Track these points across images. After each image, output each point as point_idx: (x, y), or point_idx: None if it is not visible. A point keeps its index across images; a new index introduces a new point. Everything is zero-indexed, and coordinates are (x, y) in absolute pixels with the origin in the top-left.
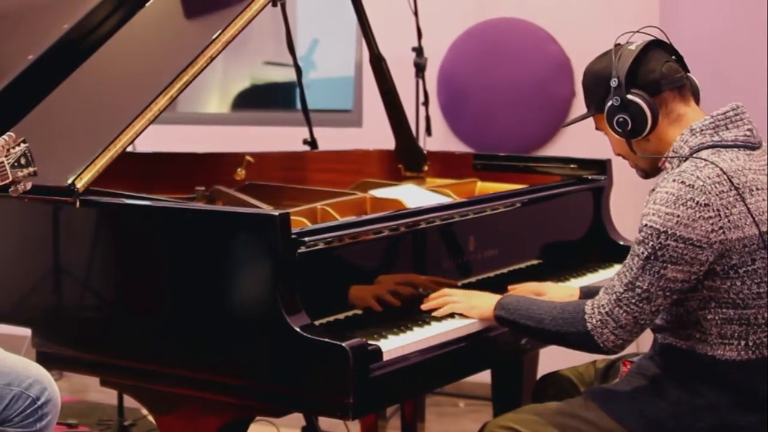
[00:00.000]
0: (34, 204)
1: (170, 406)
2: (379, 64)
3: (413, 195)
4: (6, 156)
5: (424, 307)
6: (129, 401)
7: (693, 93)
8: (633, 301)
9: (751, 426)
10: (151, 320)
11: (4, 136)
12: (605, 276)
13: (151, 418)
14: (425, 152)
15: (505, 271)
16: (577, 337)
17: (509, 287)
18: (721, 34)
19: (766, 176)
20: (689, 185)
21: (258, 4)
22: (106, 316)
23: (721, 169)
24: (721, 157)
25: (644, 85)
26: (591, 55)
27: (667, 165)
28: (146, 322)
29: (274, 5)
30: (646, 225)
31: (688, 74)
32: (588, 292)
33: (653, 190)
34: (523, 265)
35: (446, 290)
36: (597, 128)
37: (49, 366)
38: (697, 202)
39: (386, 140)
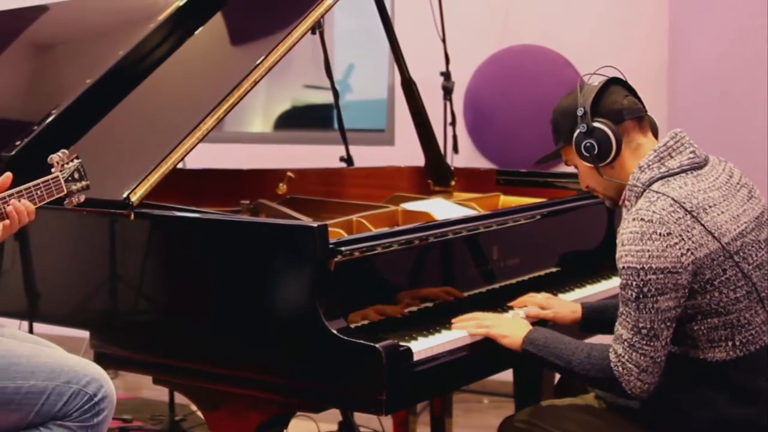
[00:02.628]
0: (92, 216)
1: (218, 402)
2: (410, 87)
3: (441, 208)
4: (61, 171)
5: (456, 326)
6: (179, 398)
7: (651, 128)
8: (644, 342)
9: (747, 418)
10: (200, 323)
11: (59, 153)
12: (618, 282)
13: (200, 413)
14: (452, 168)
15: (526, 278)
16: (607, 383)
17: (510, 304)
18: (726, 59)
19: (717, 191)
20: (648, 220)
21: (298, 31)
22: (158, 320)
23: (672, 199)
24: (671, 187)
25: (607, 113)
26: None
27: (626, 203)
28: (195, 324)
29: (313, 33)
30: (623, 268)
31: (647, 113)
32: (590, 309)
33: (618, 232)
34: (542, 273)
35: (477, 314)
36: (566, 162)
37: (106, 365)
38: (660, 233)
39: (416, 157)
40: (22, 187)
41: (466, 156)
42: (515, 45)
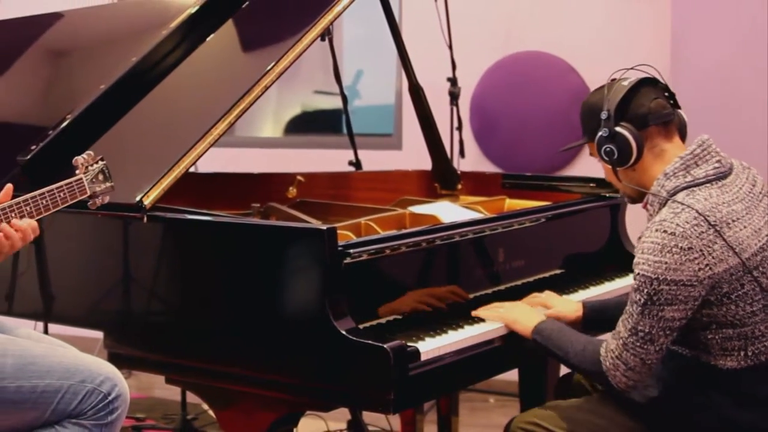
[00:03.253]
0: (106, 219)
1: (229, 401)
2: (417, 93)
3: (448, 211)
4: (84, 173)
5: (476, 313)
6: (191, 397)
7: (679, 128)
8: (638, 344)
9: (748, 422)
10: (211, 324)
11: (84, 155)
12: (621, 284)
13: (211, 412)
14: (459, 172)
15: (531, 279)
16: (595, 375)
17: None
18: (726, 66)
19: (740, 203)
20: (671, 233)
21: (308, 38)
22: (170, 320)
23: (697, 211)
24: (696, 198)
25: (632, 118)
26: None
27: (649, 207)
28: (207, 325)
29: (323, 40)
30: (639, 274)
31: (678, 110)
32: (592, 308)
33: (640, 239)
34: (547, 275)
35: (497, 304)
36: (591, 154)
37: (119, 365)
38: (681, 247)
39: (424, 162)
40: (44, 190)
41: (472, 160)
42: (520, 51)
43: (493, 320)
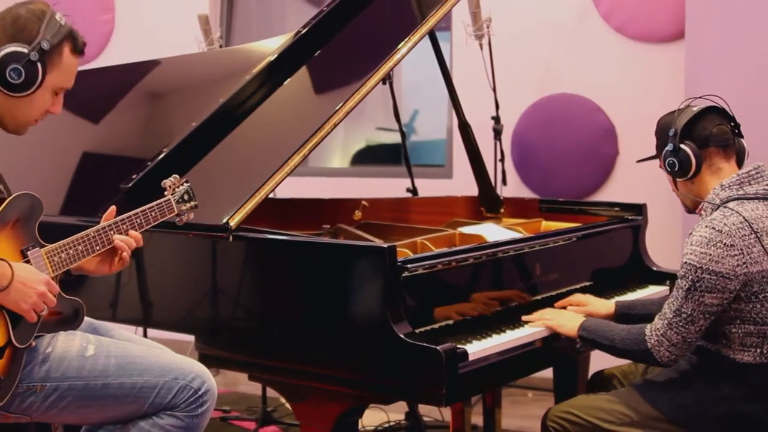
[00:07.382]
0: (197, 239)
1: (303, 395)
2: (465, 130)
3: (492, 231)
4: (172, 194)
5: (526, 319)
6: (271, 392)
7: (737, 153)
8: (681, 324)
9: (757, 414)
10: (288, 328)
11: (171, 178)
12: (642, 294)
13: (288, 405)
14: (502, 198)
15: (563, 290)
16: (640, 354)
17: (555, 304)
18: (735, 107)
19: None
20: (718, 230)
21: (371, 82)
22: (253, 326)
23: (744, 218)
24: (744, 207)
25: (695, 138)
26: (631, 123)
27: (703, 213)
28: (285, 329)
29: (384, 83)
30: (686, 263)
31: (740, 139)
32: (622, 306)
33: (690, 234)
34: (577, 286)
35: (544, 310)
36: (660, 167)
37: (208, 364)
38: (725, 243)
39: (471, 189)
40: (138, 210)
41: (513, 187)
42: (554, 93)
43: (540, 326)
